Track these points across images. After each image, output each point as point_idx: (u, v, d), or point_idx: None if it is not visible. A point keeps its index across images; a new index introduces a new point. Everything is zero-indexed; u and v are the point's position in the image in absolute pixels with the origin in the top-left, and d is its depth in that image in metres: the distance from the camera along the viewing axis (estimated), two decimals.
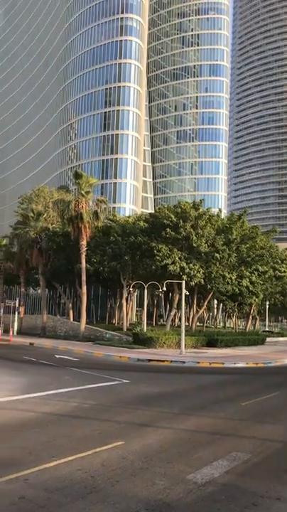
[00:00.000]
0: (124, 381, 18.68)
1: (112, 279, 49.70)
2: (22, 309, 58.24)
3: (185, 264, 41.42)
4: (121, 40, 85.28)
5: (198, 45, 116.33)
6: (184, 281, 36.05)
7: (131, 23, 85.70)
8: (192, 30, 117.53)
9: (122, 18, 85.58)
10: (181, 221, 42.26)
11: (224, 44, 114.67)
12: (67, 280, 55.25)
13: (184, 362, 27.75)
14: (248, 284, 49.12)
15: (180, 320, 42.36)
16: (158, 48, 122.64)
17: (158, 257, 40.92)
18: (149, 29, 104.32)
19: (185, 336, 35.25)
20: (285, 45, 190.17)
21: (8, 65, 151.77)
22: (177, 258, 41.34)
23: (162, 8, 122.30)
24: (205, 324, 68.01)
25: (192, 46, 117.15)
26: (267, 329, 77.41)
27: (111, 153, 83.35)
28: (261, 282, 51.68)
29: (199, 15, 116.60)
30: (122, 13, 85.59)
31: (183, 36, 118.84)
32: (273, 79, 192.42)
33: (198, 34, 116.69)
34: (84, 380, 18.61)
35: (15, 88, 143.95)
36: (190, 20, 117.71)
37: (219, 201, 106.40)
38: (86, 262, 44.37)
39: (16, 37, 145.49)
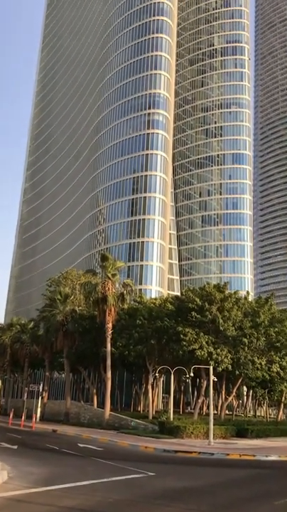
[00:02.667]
0: (150, 474, 17.71)
1: (138, 363, 48.79)
2: (45, 394, 57.15)
3: (212, 349, 40.57)
4: (148, 133, 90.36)
5: (221, 136, 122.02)
6: (211, 367, 35.11)
7: (157, 118, 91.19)
8: (215, 123, 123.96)
9: (149, 114, 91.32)
10: (207, 304, 42.02)
11: (246, 134, 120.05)
12: (92, 364, 54.48)
13: (212, 454, 26.27)
14: (278, 369, 47.32)
15: (208, 408, 40.70)
16: (183, 139, 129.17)
17: (184, 342, 40.29)
18: (175, 122, 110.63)
19: (214, 425, 33.68)
20: None
21: (42, 156, 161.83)
22: (204, 343, 40.61)
23: (186, 104, 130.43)
24: (235, 412, 64.95)
25: (215, 137, 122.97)
26: None
27: (138, 236, 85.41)
28: None
29: (221, 109, 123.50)
30: (149, 108, 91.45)
31: (207, 128, 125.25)
32: None
33: (221, 126, 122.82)
34: (108, 471, 17.74)
35: (48, 177, 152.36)
36: (213, 114, 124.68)
37: (246, 284, 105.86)
38: (111, 346, 43.94)
39: (51, 131, 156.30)
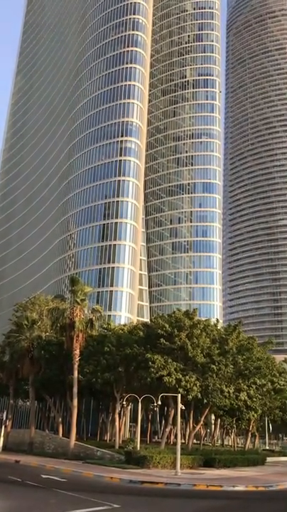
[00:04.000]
0: (115, 506, 17.20)
1: (105, 391, 47.94)
2: (9, 423, 55.33)
3: (180, 376, 40.31)
4: (120, 160, 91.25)
5: (192, 165, 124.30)
6: (179, 395, 34.81)
7: (129, 145, 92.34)
8: (186, 152, 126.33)
9: (122, 141, 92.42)
10: (176, 330, 41.94)
11: (216, 164, 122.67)
12: (58, 392, 53.19)
13: (179, 484, 25.80)
14: (246, 398, 47.31)
15: (175, 437, 40.17)
16: (154, 167, 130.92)
17: (152, 369, 39.90)
18: (147, 150, 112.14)
19: (181, 454, 33.19)
20: (273, 166, 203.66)
21: (13, 180, 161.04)
22: (172, 369, 40.33)
23: (159, 133, 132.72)
24: (202, 441, 64.30)
25: (186, 166, 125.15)
26: (267, 447, 73.04)
27: (109, 262, 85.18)
28: (260, 396, 49.86)
29: (193, 139, 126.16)
30: (122, 136, 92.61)
31: (178, 157, 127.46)
32: (263, 196, 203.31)
33: (192, 155, 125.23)
34: (71, 503, 17.14)
35: (19, 201, 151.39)
36: (184, 143, 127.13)
37: (215, 311, 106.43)
38: (78, 373, 43.11)
39: (22, 155, 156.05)
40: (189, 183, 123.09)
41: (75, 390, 42.57)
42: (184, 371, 41.16)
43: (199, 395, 41.69)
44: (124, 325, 56.34)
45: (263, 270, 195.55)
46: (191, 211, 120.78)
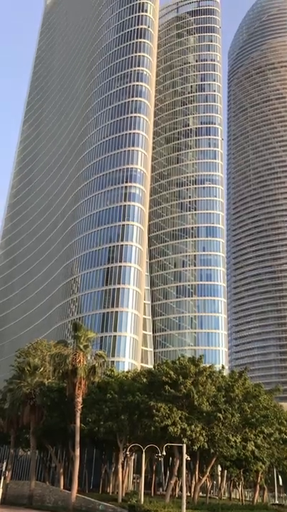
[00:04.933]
0: None
1: (108, 440, 46.54)
2: (8, 474, 53.46)
3: (186, 425, 39.20)
4: (125, 205, 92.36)
5: (195, 210, 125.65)
6: (185, 445, 33.71)
7: (134, 191, 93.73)
8: (189, 197, 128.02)
9: (126, 187, 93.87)
10: (181, 378, 41.10)
11: (220, 209, 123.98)
12: (60, 440, 51.67)
13: None
14: (253, 447, 45.71)
15: (181, 489, 38.60)
16: (158, 211, 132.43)
17: (157, 418, 38.87)
18: (151, 195, 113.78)
19: (187, 509, 31.80)
20: (276, 211, 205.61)
21: (18, 225, 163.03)
22: (177, 418, 39.27)
23: (162, 179, 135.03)
24: (209, 494, 61.68)
25: (189, 211, 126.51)
26: (277, 502, 69.83)
27: (112, 306, 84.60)
28: (267, 446, 48.17)
29: (196, 184, 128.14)
30: (127, 182, 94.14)
31: (182, 202, 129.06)
32: (266, 240, 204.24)
33: (195, 200, 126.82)
34: None
35: (23, 245, 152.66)
36: (187, 188, 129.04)
37: (220, 357, 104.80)
38: (80, 421, 41.98)
39: (29, 200, 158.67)
40: (192, 227, 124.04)
41: (77, 439, 41.36)
42: (189, 420, 40.06)
43: (206, 445, 40.37)
44: (128, 371, 55.35)
45: (269, 315, 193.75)
46: (195, 255, 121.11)
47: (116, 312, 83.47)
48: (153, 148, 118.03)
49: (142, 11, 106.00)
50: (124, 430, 43.72)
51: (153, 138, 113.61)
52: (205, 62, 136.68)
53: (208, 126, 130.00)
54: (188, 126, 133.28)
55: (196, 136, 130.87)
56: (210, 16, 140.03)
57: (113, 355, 77.89)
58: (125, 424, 42.83)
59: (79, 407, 41.93)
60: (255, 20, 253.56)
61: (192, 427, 39.44)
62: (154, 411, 39.33)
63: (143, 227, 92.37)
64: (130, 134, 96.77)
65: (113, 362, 72.65)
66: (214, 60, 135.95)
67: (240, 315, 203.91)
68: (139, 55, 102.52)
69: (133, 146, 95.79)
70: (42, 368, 51.15)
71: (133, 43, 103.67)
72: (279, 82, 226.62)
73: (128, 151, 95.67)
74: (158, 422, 38.89)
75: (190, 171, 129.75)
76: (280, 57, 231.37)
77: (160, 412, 39.08)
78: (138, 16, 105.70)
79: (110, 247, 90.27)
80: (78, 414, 41.72)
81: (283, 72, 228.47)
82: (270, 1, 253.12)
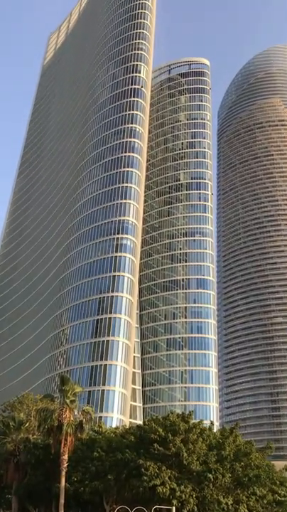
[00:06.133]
0: None
1: (93, 501, 44.38)
2: None
3: (175, 485, 37.68)
4: (116, 256, 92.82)
5: (186, 262, 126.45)
6: (174, 508, 32.26)
7: (125, 242, 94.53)
8: (180, 249, 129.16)
9: (118, 238, 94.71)
10: (170, 435, 39.89)
11: (210, 261, 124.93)
12: (43, 501, 49.13)
13: None
14: (246, 511, 43.76)
15: None
16: (149, 263, 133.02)
17: (145, 477, 37.40)
18: (142, 247, 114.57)
19: None
20: (266, 264, 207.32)
21: (8, 275, 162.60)
22: (166, 478, 37.83)
23: (154, 231, 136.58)
24: None
25: (180, 262, 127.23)
26: None
27: (101, 359, 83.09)
28: (261, 509, 46.14)
29: (186, 237, 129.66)
30: (118, 233, 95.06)
31: (172, 254, 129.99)
32: (257, 293, 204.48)
33: (186, 252, 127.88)
34: None
35: (12, 295, 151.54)
36: (178, 241, 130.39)
37: (211, 412, 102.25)
38: (65, 481, 40.18)
39: (19, 251, 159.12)
40: (183, 279, 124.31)
41: (62, 501, 39.41)
42: (179, 480, 38.56)
43: (196, 508, 38.65)
44: (116, 428, 53.68)
45: (260, 369, 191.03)
46: (185, 307, 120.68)
47: (105, 365, 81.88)
48: (145, 201, 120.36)
49: (136, 72, 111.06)
50: (111, 491, 41.89)
51: (145, 191, 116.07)
52: (196, 121, 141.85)
53: (198, 181, 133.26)
54: (179, 180, 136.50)
55: (187, 190, 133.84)
56: (200, 78, 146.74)
57: (101, 411, 75.77)
58: (112, 484, 41.09)
59: (65, 465, 40.27)
60: (243, 82, 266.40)
61: (182, 487, 37.93)
62: (143, 470, 37.88)
63: (133, 278, 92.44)
64: (122, 187, 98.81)
65: (101, 417, 70.53)
66: (204, 119, 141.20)
67: (231, 369, 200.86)
68: (132, 113, 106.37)
69: (125, 198, 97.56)
70: (27, 423, 49.39)
71: (126, 102, 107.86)
72: (267, 141, 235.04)
73: (121, 203, 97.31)
74: (146, 482, 37.38)
75: (180, 223, 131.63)
76: (268, 117, 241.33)
77: (149, 472, 37.65)
78: (132, 76, 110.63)
79: (100, 298, 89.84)
80: (63, 473, 39.99)
81: (270, 131, 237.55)
82: (257, 66, 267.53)
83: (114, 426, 59.62)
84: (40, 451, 44.86)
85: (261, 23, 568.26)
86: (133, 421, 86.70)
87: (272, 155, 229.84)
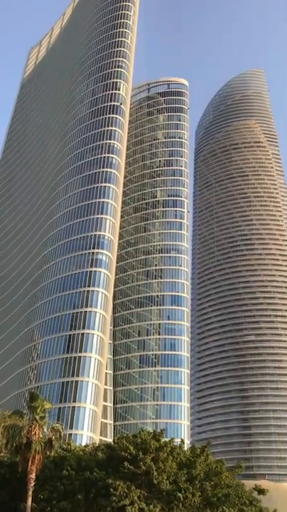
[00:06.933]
0: None
1: None
2: None
3: (144, 505, 37.12)
4: (90, 271, 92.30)
5: (161, 278, 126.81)
6: None
7: (101, 257, 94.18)
8: (155, 265, 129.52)
9: (93, 253, 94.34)
10: (140, 453, 39.40)
11: (185, 278, 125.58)
12: None
13: None
14: None
15: None
16: (124, 278, 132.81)
17: (114, 497, 36.74)
18: (117, 262, 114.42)
19: None
20: (239, 282, 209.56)
21: None
22: (135, 497, 37.23)
23: (129, 246, 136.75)
24: None
25: (155, 279, 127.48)
26: None
27: (73, 375, 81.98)
28: None
29: (162, 253, 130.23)
30: (94, 248, 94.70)
31: (148, 270, 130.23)
32: (230, 310, 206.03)
33: (161, 269, 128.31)
34: None
35: None
36: (154, 257, 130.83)
37: (182, 430, 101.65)
38: (32, 501, 39.12)
39: None
40: (158, 295, 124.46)
41: None
42: (148, 499, 38.02)
43: None
44: (86, 445, 52.72)
45: (232, 387, 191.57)
46: (159, 323, 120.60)
47: (76, 382, 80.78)
48: (122, 216, 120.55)
49: (115, 89, 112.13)
50: (79, 511, 40.96)
51: (122, 207, 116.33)
52: (173, 140, 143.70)
53: (175, 198, 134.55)
54: (156, 197, 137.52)
55: (163, 207, 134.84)
56: (179, 98, 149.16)
57: (71, 428, 74.55)
58: (80, 504, 40.19)
59: (32, 484, 39.19)
60: (221, 103, 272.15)
61: (151, 507, 37.37)
62: (111, 489, 37.23)
63: (108, 294, 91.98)
64: (99, 202, 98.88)
65: (70, 435, 69.38)
66: (181, 138, 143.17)
67: (203, 387, 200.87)
68: (111, 129, 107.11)
69: (102, 213, 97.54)
70: None
71: (105, 118, 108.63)
72: (242, 161, 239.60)
73: (97, 218, 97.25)
74: (115, 502, 36.70)
75: (156, 240, 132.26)
76: (244, 139, 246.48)
77: (118, 491, 37.01)
78: (112, 93, 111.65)
79: (73, 313, 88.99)
80: (30, 493, 38.88)
81: (246, 152, 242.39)
82: (234, 88, 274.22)
83: (83, 443, 58.55)
84: (7, 470, 43.64)
85: (239, 47, 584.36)
86: (104, 438, 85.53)
87: (247, 175, 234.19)
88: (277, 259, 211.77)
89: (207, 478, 43.73)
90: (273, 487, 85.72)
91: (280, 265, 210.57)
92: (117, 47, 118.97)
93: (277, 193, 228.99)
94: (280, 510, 52.13)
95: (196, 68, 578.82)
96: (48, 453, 40.94)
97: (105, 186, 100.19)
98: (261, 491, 48.51)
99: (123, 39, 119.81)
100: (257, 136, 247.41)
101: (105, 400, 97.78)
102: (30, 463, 39.20)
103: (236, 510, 47.63)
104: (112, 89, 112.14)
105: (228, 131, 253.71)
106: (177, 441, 48.99)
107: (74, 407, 78.39)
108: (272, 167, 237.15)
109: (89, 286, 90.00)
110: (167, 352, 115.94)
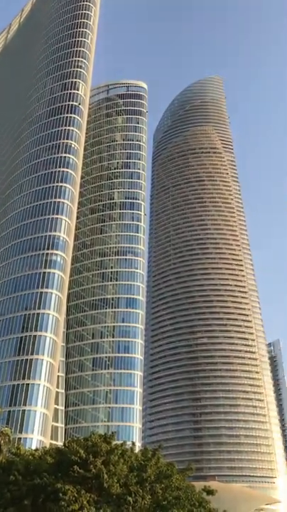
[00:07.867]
0: None
1: None
2: None
3: (94, 510, 36.66)
4: (44, 272, 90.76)
5: (116, 280, 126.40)
6: None
7: (55, 258, 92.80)
8: (111, 268, 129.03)
9: (47, 254, 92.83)
10: (91, 456, 38.94)
11: (140, 281, 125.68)
12: None
13: None
14: None
15: None
16: (79, 280, 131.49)
17: (63, 502, 36.07)
18: (72, 264, 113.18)
19: None
20: (193, 285, 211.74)
21: None
22: (85, 502, 36.72)
23: (85, 248, 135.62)
24: None
25: (111, 281, 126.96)
26: None
27: (23, 378, 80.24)
28: None
29: (118, 255, 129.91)
30: (48, 249, 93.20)
31: (103, 272, 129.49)
32: (184, 313, 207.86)
33: (117, 271, 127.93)
34: None
35: None
36: (110, 259, 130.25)
37: (134, 433, 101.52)
38: None
39: None
40: (113, 298, 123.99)
41: None
42: (98, 503, 37.58)
43: None
44: (35, 449, 51.63)
45: (184, 389, 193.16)
46: (114, 326, 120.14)
47: (27, 384, 79.11)
48: (78, 217, 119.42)
49: (74, 89, 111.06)
50: None
51: (78, 208, 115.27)
52: (131, 142, 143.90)
53: (132, 201, 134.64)
54: (113, 199, 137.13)
55: (120, 209, 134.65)
56: (138, 100, 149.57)
57: (21, 431, 72.85)
58: (29, 510, 39.22)
59: None
60: (179, 108, 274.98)
61: (101, 511, 36.95)
62: (61, 494, 36.54)
63: (62, 296, 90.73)
64: (55, 202, 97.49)
65: (20, 438, 67.74)
66: (139, 141, 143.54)
67: (155, 389, 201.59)
68: (68, 129, 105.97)
69: (57, 214, 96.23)
70: None
71: (63, 117, 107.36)
72: (199, 167, 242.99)
73: (52, 218, 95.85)
74: (64, 507, 36.03)
75: (112, 242, 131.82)
76: (201, 144, 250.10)
77: (67, 496, 36.37)
78: (70, 93, 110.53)
79: (25, 314, 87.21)
80: None
81: (203, 157, 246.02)
82: (193, 93, 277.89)
83: (33, 447, 57.33)
84: None
85: (198, 54, 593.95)
86: (55, 442, 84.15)
87: (203, 180, 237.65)
88: (230, 264, 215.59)
89: (157, 480, 43.75)
90: (223, 488, 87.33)
91: (234, 269, 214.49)
92: (77, 46, 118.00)
93: (232, 199, 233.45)
94: (229, 510, 52.92)
95: (156, 72, 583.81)
96: None
97: (61, 186, 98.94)
98: (210, 492, 48.99)
99: (83, 39, 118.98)
100: (214, 142, 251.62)
101: (56, 403, 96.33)
102: None
103: (186, 511, 47.94)
104: (71, 89, 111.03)
105: (186, 136, 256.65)
106: (129, 443, 48.73)
107: (24, 411, 76.71)
108: (227, 173, 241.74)
109: (42, 287, 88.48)
110: (120, 354, 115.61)
